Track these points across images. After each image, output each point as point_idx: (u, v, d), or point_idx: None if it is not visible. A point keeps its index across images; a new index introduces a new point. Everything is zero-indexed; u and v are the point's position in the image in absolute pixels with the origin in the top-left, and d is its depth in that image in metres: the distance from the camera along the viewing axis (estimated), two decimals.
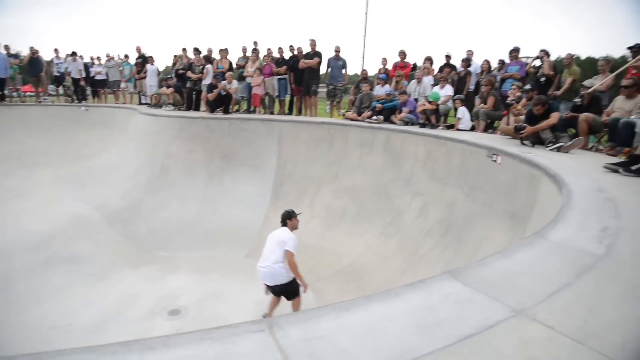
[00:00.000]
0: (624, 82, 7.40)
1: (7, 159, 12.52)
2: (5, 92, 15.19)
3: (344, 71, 11.76)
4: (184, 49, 14.07)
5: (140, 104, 15.31)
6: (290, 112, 12.32)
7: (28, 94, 18.54)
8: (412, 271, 6.39)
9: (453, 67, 11.00)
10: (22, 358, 1.66)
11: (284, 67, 11.94)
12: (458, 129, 9.12)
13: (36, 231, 8.16)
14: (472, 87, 10.58)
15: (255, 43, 13.15)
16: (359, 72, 19.08)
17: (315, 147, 9.66)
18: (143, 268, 7.74)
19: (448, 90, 9.89)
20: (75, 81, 15.68)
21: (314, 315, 1.91)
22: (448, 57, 11.27)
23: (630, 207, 3.40)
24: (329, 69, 11.70)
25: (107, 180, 10.53)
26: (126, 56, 16.63)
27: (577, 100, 7.83)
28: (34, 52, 15.54)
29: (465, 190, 6.73)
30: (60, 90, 16.48)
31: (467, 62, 10.80)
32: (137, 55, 15.74)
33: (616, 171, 5.01)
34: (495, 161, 6.29)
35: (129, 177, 10.42)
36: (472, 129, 9.29)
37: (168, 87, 13.19)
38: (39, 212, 9.01)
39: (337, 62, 11.61)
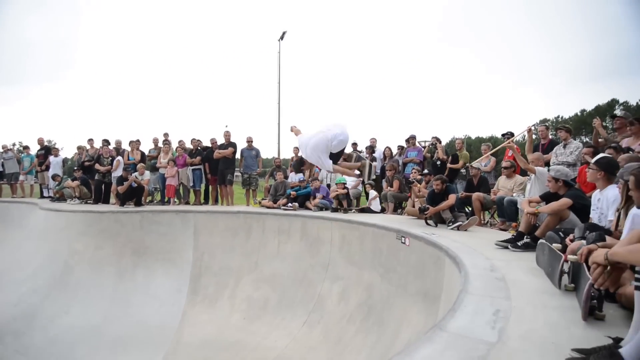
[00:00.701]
0: (503, 164, 8.59)
1: None
2: None
3: (258, 159, 12.16)
4: (90, 140, 13.71)
5: (42, 197, 14.25)
6: (206, 202, 12.23)
7: None
8: None
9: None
10: None
11: (198, 158, 12.04)
12: (371, 209, 9.77)
13: None
14: (378, 172, 11.46)
15: (166, 135, 13.26)
16: (276, 155, 19.76)
17: (232, 236, 9.59)
18: None
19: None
20: None
21: None
22: (354, 145, 12.23)
23: (518, 285, 3.83)
24: (243, 159, 12.02)
25: None
26: (25, 147, 15.73)
27: (463, 170, 9.68)
28: None
29: (380, 272, 7.04)
30: None
31: (371, 149, 11.81)
32: (38, 147, 14.96)
33: (506, 247, 5.63)
34: (404, 243, 6.73)
35: (24, 280, 9.36)
36: (382, 210, 9.96)
37: (73, 179, 12.53)
38: None
39: (251, 152, 12.03)
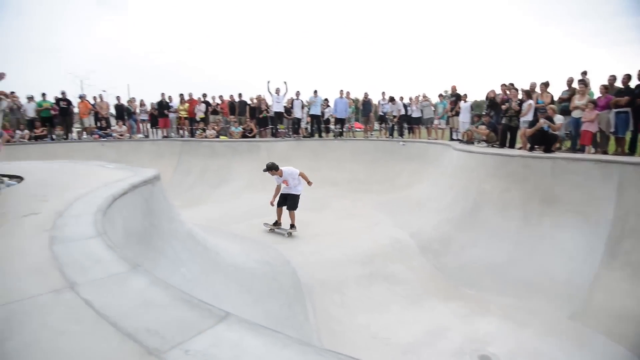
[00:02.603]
0: None
1: (340, 183, 15.28)
2: (344, 129, 18.82)
3: None
4: (504, 85, 13.75)
5: (452, 139, 15.91)
6: (632, 153, 10.13)
7: (357, 130, 22.15)
8: None
9: None
10: None
11: (626, 98, 9.98)
12: None
13: (364, 247, 9.40)
14: None
15: (584, 73, 11.65)
16: None
17: None
18: (452, 302, 7.75)
19: None
20: (394, 117, 17.84)
21: None
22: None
23: None
24: None
25: (420, 211, 11.28)
26: (441, 95, 17.77)
27: None
28: (365, 96, 18.72)
29: None
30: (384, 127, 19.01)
31: None
32: (451, 93, 16.57)
33: None
34: None
35: (441, 209, 10.82)
36: None
37: (482, 124, 13.18)
38: (366, 231, 10.41)
39: None
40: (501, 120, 12.72)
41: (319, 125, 18.72)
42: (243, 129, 18.64)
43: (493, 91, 14.15)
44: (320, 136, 18.74)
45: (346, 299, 7.66)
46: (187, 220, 7.26)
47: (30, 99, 17.48)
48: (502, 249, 9.01)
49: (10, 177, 5.99)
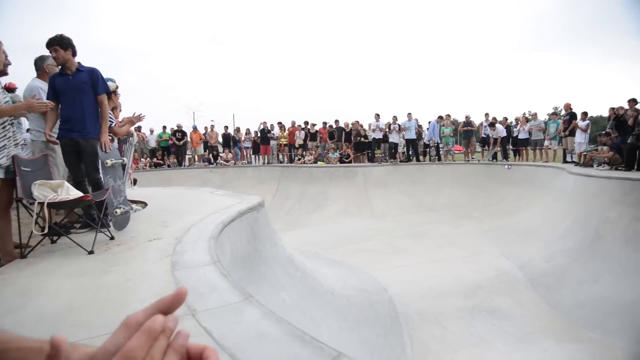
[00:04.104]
0: None
1: (438, 209, 14.66)
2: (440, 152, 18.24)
3: None
4: (633, 100, 12.11)
5: (565, 162, 14.47)
6: None
7: (457, 152, 21.27)
8: None
9: None
10: None
11: None
12: None
13: (466, 278, 8.84)
14: None
15: None
16: None
17: None
18: (569, 345, 6.88)
19: None
20: (495, 141, 16.81)
21: None
22: None
23: None
24: None
25: (529, 240, 10.32)
26: (554, 114, 16.39)
27: None
28: (467, 119, 17.95)
29: None
30: (486, 149, 18.02)
31: None
32: (564, 111, 15.16)
33: None
34: None
35: (554, 240, 9.79)
36: None
37: (604, 145, 11.83)
38: (468, 261, 9.79)
39: None
40: (628, 140, 11.29)
41: (416, 149, 18.36)
42: (340, 154, 18.98)
43: (621, 107, 12.63)
44: (417, 160, 18.36)
45: (446, 332, 7.22)
46: (286, 244, 7.48)
47: (152, 131, 19.92)
48: (633, 287, 7.81)
49: (137, 202, 6.76)
